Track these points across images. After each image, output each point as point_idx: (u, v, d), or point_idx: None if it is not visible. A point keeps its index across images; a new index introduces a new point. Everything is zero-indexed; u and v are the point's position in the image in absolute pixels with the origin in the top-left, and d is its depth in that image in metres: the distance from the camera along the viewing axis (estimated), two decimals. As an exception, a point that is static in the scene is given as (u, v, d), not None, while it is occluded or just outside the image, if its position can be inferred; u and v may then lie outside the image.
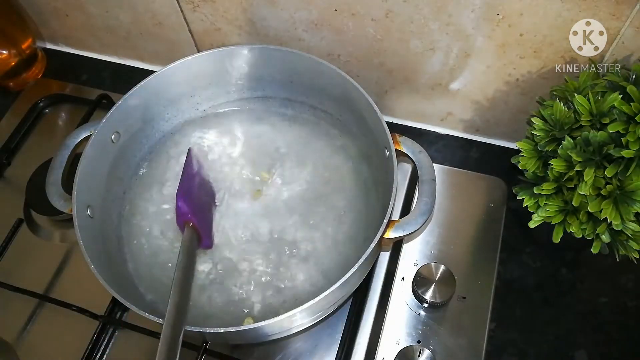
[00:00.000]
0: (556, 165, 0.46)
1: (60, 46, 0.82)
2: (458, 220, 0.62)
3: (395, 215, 0.61)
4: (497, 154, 0.68)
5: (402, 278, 0.59)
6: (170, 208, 0.60)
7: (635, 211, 0.44)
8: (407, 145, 0.53)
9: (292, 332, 0.52)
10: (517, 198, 0.51)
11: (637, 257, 0.47)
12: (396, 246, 0.61)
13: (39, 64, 0.79)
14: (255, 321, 0.44)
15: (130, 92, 0.56)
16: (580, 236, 0.47)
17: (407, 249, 0.60)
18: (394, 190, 0.48)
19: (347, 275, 0.44)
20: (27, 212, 0.67)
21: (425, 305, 0.56)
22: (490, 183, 0.64)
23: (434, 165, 0.52)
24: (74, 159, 0.55)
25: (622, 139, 0.43)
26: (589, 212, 0.45)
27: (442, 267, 0.56)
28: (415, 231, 0.49)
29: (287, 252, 0.56)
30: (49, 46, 0.83)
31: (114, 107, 0.55)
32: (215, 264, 0.56)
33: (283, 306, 0.53)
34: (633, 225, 0.45)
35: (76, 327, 0.58)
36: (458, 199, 0.63)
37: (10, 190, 0.70)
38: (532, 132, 0.49)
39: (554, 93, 0.51)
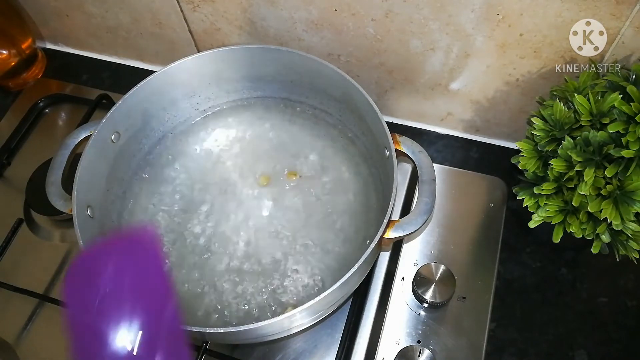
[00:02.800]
0: (556, 165, 0.46)
1: (60, 46, 0.82)
2: (458, 220, 0.62)
3: (395, 215, 0.61)
4: (497, 154, 0.68)
5: (402, 278, 0.59)
6: (169, 207, 0.60)
7: (635, 211, 0.44)
8: (407, 145, 0.53)
9: (292, 332, 0.52)
10: (517, 198, 0.51)
11: (637, 257, 0.47)
12: (396, 246, 0.61)
13: (39, 64, 0.79)
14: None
15: (130, 92, 0.56)
16: (580, 236, 0.47)
17: (407, 249, 0.60)
18: (394, 190, 0.48)
19: (347, 275, 0.44)
20: (27, 212, 0.67)
21: (425, 305, 0.56)
22: (490, 183, 0.64)
23: (434, 165, 0.52)
24: (74, 159, 0.55)
25: (622, 139, 0.43)
26: (589, 212, 0.45)
27: (442, 267, 0.56)
28: (415, 231, 0.49)
29: (287, 252, 0.56)
30: (49, 46, 0.83)
31: (114, 107, 0.55)
32: (211, 263, 0.56)
33: (282, 306, 0.54)
34: (633, 225, 0.45)
35: (76, 327, 0.58)
36: (458, 199, 0.63)
37: (10, 190, 0.70)
38: (532, 132, 0.49)
39: (554, 93, 0.51)
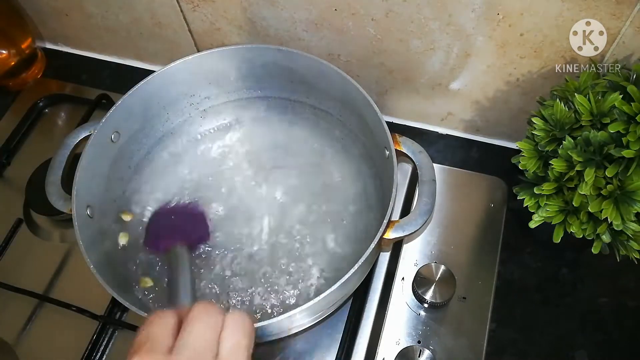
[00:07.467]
0: (556, 165, 0.46)
1: (60, 46, 0.82)
2: (458, 220, 0.62)
3: (396, 216, 0.61)
4: (497, 154, 0.68)
5: (403, 278, 0.59)
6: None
7: (635, 211, 0.43)
8: (407, 145, 0.53)
9: (292, 332, 0.52)
10: (518, 198, 0.51)
11: (638, 257, 0.47)
12: (396, 246, 0.61)
13: (38, 63, 0.79)
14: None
15: (130, 92, 0.56)
16: (581, 236, 0.47)
17: (407, 249, 0.60)
18: (394, 190, 0.48)
19: (347, 276, 0.44)
20: (27, 212, 0.67)
21: (426, 305, 0.56)
22: (490, 183, 0.64)
23: (434, 165, 0.52)
24: (74, 158, 0.55)
25: (623, 138, 0.43)
26: (589, 212, 0.45)
27: (442, 267, 0.56)
28: (415, 231, 0.48)
29: (287, 252, 0.56)
30: (49, 46, 0.83)
31: (113, 107, 0.55)
32: (213, 264, 0.56)
33: (282, 306, 0.53)
34: (633, 226, 0.44)
35: (76, 327, 0.58)
36: (458, 199, 0.63)
37: (10, 190, 0.70)
38: (533, 132, 0.49)
39: (555, 93, 0.51)
